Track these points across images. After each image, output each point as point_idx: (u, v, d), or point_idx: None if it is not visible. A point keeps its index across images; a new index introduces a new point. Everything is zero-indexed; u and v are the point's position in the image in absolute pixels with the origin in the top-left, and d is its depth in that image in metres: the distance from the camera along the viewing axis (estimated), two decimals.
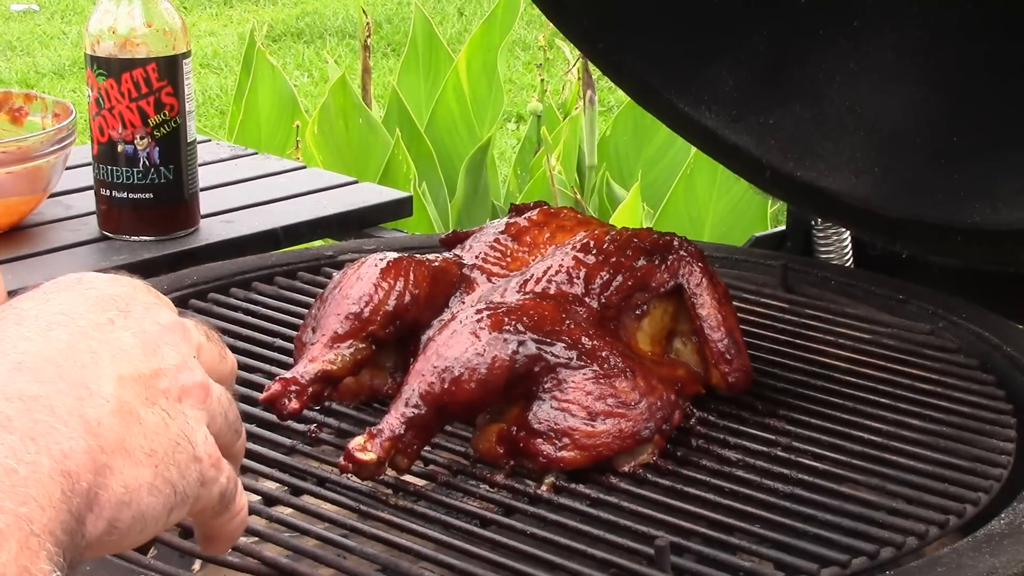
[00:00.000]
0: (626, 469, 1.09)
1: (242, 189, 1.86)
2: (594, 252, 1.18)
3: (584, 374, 1.08)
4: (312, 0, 6.46)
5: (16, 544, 0.60)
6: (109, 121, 1.62)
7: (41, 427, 0.65)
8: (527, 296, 1.14)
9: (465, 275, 1.22)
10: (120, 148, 1.63)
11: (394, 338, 1.15)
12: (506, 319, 1.07)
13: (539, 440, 1.06)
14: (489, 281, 1.21)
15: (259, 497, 1.06)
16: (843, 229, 1.60)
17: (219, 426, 0.76)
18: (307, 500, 1.05)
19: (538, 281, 1.17)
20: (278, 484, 1.08)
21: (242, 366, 1.26)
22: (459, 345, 1.06)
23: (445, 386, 1.04)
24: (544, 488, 1.06)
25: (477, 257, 1.24)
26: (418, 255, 1.20)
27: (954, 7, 1.33)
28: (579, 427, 1.07)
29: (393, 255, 1.17)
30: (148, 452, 0.70)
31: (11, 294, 0.78)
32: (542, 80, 3.59)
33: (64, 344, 0.70)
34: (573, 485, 1.06)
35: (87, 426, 0.67)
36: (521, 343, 1.07)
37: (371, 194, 1.88)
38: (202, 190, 1.72)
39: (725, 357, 1.18)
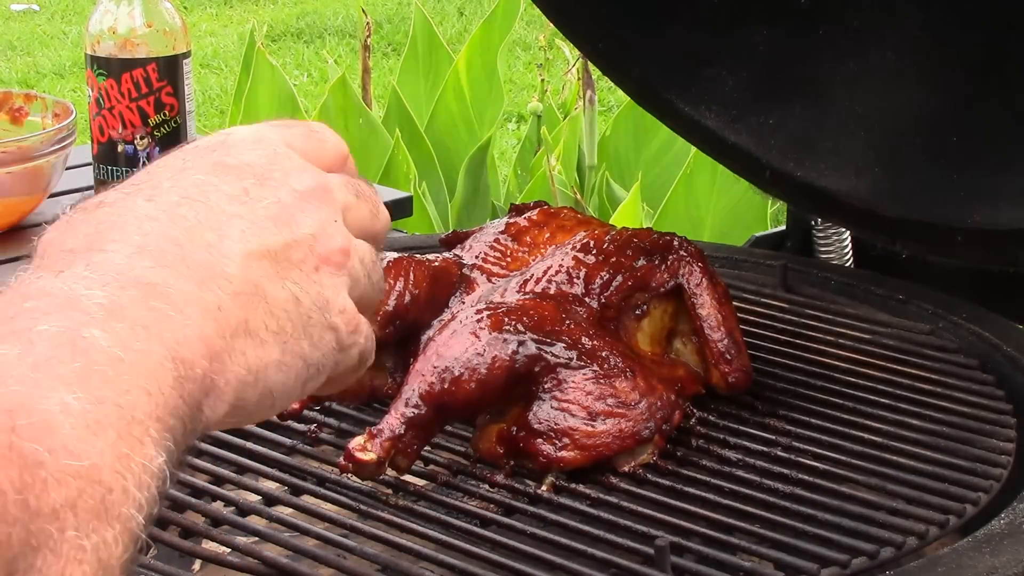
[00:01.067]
0: (626, 469, 1.09)
1: None
2: (594, 252, 1.18)
3: (584, 374, 1.08)
4: (312, 0, 6.46)
5: (115, 432, 0.58)
6: (109, 121, 1.62)
7: (155, 315, 0.63)
8: (527, 296, 1.14)
9: (465, 275, 1.22)
10: (120, 148, 1.63)
11: (394, 338, 1.15)
12: (506, 319, 1.07)
13: (539, 440, 1.06)
14: (489, 281, 1.21)
15: (259, 497, 1.06)
16: (843, 229, 1.60)
17: (363, 288, 0.73)
18: (307, 500, 1.05)
19: (538, 281, 1.17)
20: (278, 484, 1.08)
21: None
22: (459, 345, 1.06)
23: (445, 386, 1.04)
24: (544, 488, 1.06)
25: (477, 257, 1.24)
26: (418, 255, 1.20)
27: (954, 7, 1.33)
28: (579, 427, 1.07)
29: (393, 255, 1.17)
30: (275, 331, 0.68)
31: None
32: (542, 80, 3.59)
33: (191, 223, 0.67)
34: (573, 485, 1.06)
35: (205, 311, 0.65)
36: (521, 343, 1.07)
37: None
38: None
39: (725, 357, 1.18)
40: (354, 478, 1.04)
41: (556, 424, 1.06)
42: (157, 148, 1.63)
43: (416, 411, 1.03)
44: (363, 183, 0.76)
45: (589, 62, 2.54)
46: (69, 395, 0.58)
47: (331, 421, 1.16)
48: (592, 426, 1.07)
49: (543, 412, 1.07)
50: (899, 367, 1.26)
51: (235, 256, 0.67)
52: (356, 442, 1.02)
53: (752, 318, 1.35)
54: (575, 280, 1.16)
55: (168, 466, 0.60)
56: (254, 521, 1.02)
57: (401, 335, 1.15)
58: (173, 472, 0.61)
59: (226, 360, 0.66)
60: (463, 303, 1.18)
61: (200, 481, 1.08)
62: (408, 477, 1.07)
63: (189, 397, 0.63)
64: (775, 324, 1.35)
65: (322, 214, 0.71)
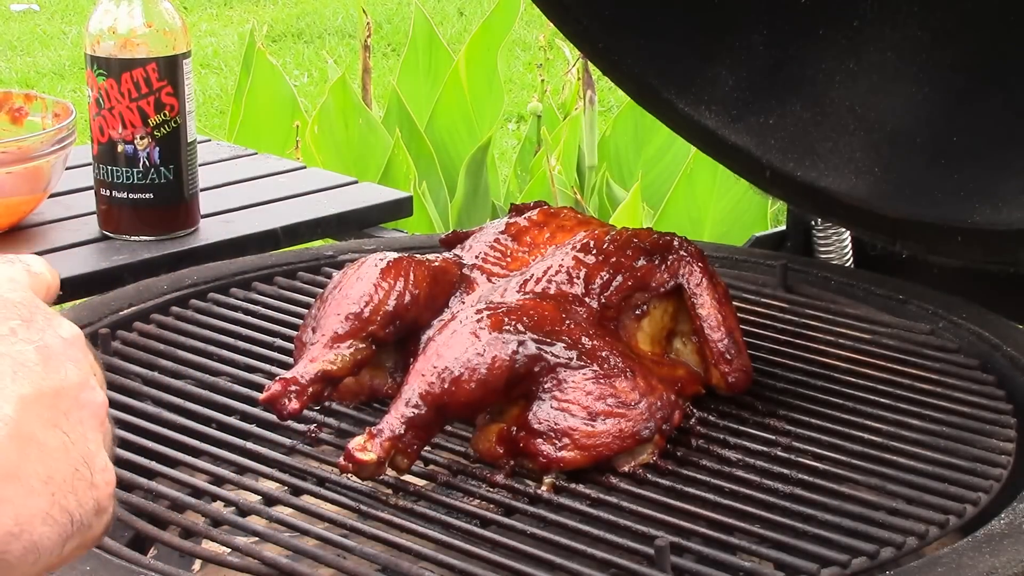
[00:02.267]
0: (626, 469, 1.09)
1: (242, 189, 1.86)
2: (594, 252, 1.18)
3: (584, 374, 1.08)
4: (312, 0, 6.46)
5: None
6: (109, 121, 1.62)
7: None
8: (527, 296, 1.14)
9: (465, 275, 1.22)
10: (120, 148, 1.63)
11: (394, 338, 1.15)
12: (506, 319, 1.07)
13: (539, 440, 1.06)
14: (489, 281, 1.21)
15: (259, 497, 1.06)
16: (843, 229, 1.60)
17: (109, 449, 0.71)
18: (307, 500, 1.05)
19: (538, 281, 1.17)
20: (278, 484, 1.08)
21: (242, 366, 1.26)
22: (459, 345, 1.06)
23: (445, 386, 1.04)
24: (544, 488, 1.06)
25: (477, 257, 1.24)
26: (418, 255, 1.20)
27: (954, 7, 1.33)
28: (579, 427, 1.07)
29: (393, 255, 1.17)
30: (45, 479, 0.65)
31: None
32: (542, 80, 3.59)
33: None
34: (573, 485, 1.06)
35: None
36: (521, 343, 1.07)
37: (371, 194, 1.88)
38: (202, 190, 1.72)
39: (725, 357, 1.18)
40: (354, 478, 1.04)
41: (556, 424, 1.06)
42: (157, 148, 1.63)
43: (416, 411, 1.03)
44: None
45: (589, 62, 2.54)
46: None
47: (331, 421, 1.16)
48: (592, 426, 1.07)
49: (543, 412, 1.07)
50: (899, 367, 1.26)
51: (10, 397, 0.65)
52: (356, 442, 1.02)
53: (752, 318, 1.35)
54: (575, 280, 1.16)
55: None
56: (254, 521, 1.02)
57: (401, 335, 1.15)
58: None
59: None
60: (463, 303, 1.18)
61: (200, 481, 1.08)
62: (408, 477, 1.07)
63: None
64: (775, 324, 1.35)
65: (84, 366, 0.70)
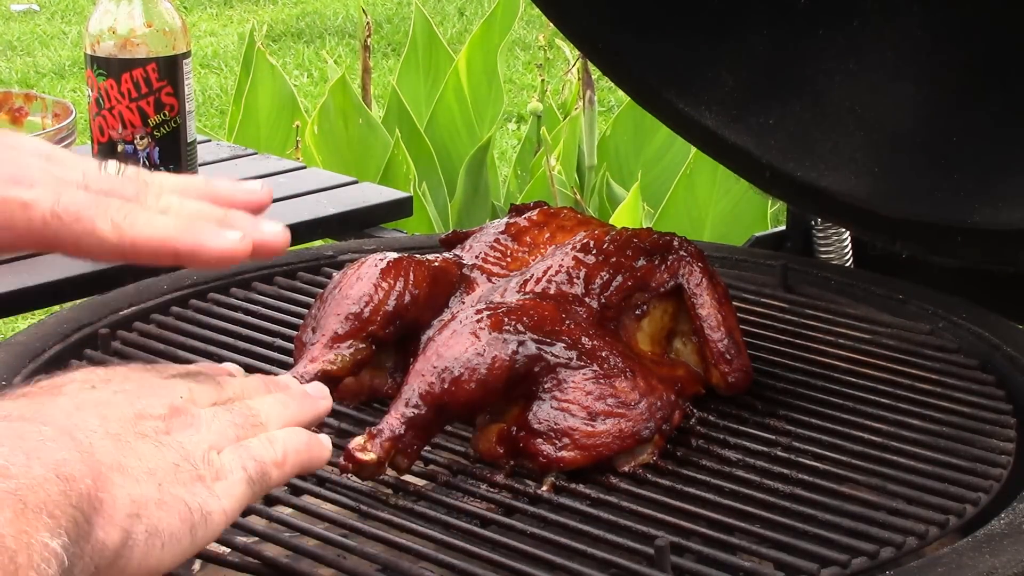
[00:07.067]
0: (626, 469, 1.09)
1: None
2: (594, 252, 1.18)
3: (584, 374, 1.08)
4: (312, 0, 6.46)
5: (11, 512, 0.63)
6: (109, 121, 1.62)
7: (30, 443, 0.68)
8: (527, 296, 1.14)
9: (465, 275, 1.22)
10: (120, 148, 1.63)
11: (394, 338, 1.15)
12: (506, 319, 1.07)
13: (539, 440, 1.06)
14: (489, 281, 1.21)
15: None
16: (843, 229, 1.60)
17: (228, 438, 0.80)
18: (307, 500, 1.05)
19: (538, 281, 1.17)
20: None
21: (242, 366, 1.26)
22: (459, 345, 1.06)
23: (445, 386, 1.04)
24: (544, 488, 1.06)
25: (477, 257, 1.24)
26: (418, 255, 1.20)
27: (954, 6, 1.33)
28: (579, 427, 1.07)
29: (393, 255, 1.17)
30: (147, 471, 0.73)
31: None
32: (542, 80, 3.59)
33: (54, 404, 0.75)
34: (573, 485, 1.06)
35: (78, 445, 0.71)
36: (521, 343, 1.07)
37: (371, 194, 1.88)
38: None
39: (725, 357, 1.18)
40: (354, 478, 1.04)
41: (556, 424, 1.06)
42: (157, 148, 1.63)
43: (416, 411, 1.03)
44: (197, 370, 0.88)
45: (589, 62, 2.54)
46: None
47: (331, 421, 1.16)
48: (592, 426, 1.07)
49: (543, 412, 1.07)
50: (899, 367, 1.26)
51: (94, 415, 0.75)
52: (356, 442, 1.02)
53: (752, 318, 1.35)
54: (575, 280, 1.16)
55: (65, 554, 0.65)
56: (254, 521, 1.02)
57: (401, 335, 1.15)
58: (71, 564, 0.65)
59: (110, 486, 0.71)
60: (463, 303, 1.18)
61: None
62: (408, 477, 1.07)
63: (79, 506, 0.68)
64: (775, 324, 1.35)
65: (163, 398, 0.80)
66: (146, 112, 1.62)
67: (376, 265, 1.15)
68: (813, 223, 1.61)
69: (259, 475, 0.80)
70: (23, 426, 0.70)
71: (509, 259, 1.23)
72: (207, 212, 0.93)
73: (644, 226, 1.48)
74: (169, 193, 0.93)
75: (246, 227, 0.91)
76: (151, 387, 0.80)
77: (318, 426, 1.15)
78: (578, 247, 1.19)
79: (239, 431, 0.82)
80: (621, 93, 1.58)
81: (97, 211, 0.89)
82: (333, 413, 1.17)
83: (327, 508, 1.04)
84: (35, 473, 0.66)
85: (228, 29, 6.07)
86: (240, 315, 1.36)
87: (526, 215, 1.28)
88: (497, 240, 1.25)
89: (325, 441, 0.89)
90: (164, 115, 1.62)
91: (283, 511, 1.04)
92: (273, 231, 0.92)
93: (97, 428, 0.73)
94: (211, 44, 5.80)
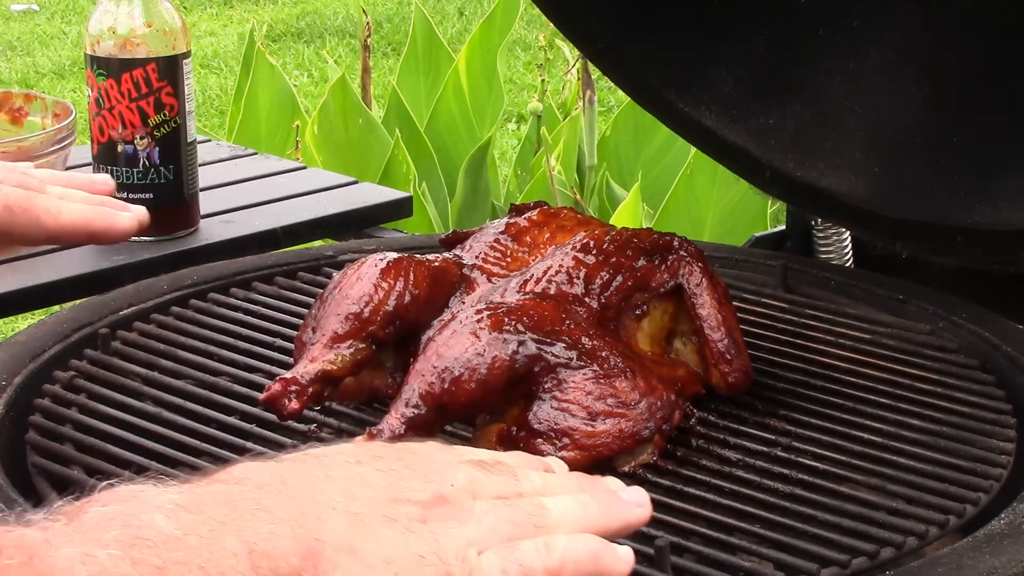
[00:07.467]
0: (626, 469, 1.09)
1: (242, 189, 1.86)
2: (594, 252, 1.18)
3: (584, 374, 1.08)
4: (312, 0, 6.46)
5: None
6: (109, 121, 1.62)
7: (235, 512, 0.64)
8: (527, 296, 1.14)
9: (465, 275, 1.22)
10: (120, 148, 1.63)
11: (394, 338, 1.15)
12: (506, 319, 1.07)
13: (539, 440, 1.06)
14: (489, 281, 1.21)
15: None
16: (843, 229, 1.60)
17: (500, 536, 0.74)
18: None
19: (538, 281, 1.17)
20: None
21: (242, 366, 1.26)
22: (459, 345, 1.06)
23: (445, 386, 1.04)
24: None
25: (477, 257, 1.24)
26: (418, 255, 1.20)
27: (954, 7, 1.33)
28: (579, 427, 1.07)
29: (393, 255, 1.17)
30: (384, 558, 0.67)
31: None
32: (542, 80, 3.59)
33: (303, 472, 0.71)
34: None
35: (300, 520, 0.66)
36: (521, 343, 1.07)
37: (371, 194, 1.88)
38: (202, 190, 1.72)
39: (725, 357, 1.18)
40: None
41: (556, 424, 1.06)
42: (157, 148, 1.63)
43: (416, 411, 1.03)
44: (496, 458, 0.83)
45: (589, 62, 2.54)
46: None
47: (331, 421, 1.16)
48: (592, 426, 1.07)
49: (543, 412, 1.07)
50: (899, 367, 1.26)
51: (340, 491, 0.70)
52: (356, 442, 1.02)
53: (752, 318, 1.35)
54: (575, 280, 1.16)
55: None
56: None
57: (401, 335, 1.15)
58: None
59: (327, 567, 0.65)
60: (463, 303, 1.18)
61: None
62: None
63: None
64: (775, 324, 1.35)
65: (434, 481, 0.75)
66: (146, 112, 1.62)
67: (376, 265, 1.15)
68: (813, 223, 1.61)
69: None
70: (243, 491, 0.66)
71: (509, 259, 1.23)
72: (96, 199, 1.17)
73: (644, 226, 1.48)
74: (50, 183, 1.16)
75: (130, 208, 1.19)
76: (424, 470, 0.74)
77: (319, 426, 1.15)
78: (578, 247, 1.19)
79: (515, 530, 0.74)
80: (621, 93, 1.58)
81: (37, 203, 1.11)
82: (333, 413, 1.18)
83: None
84: (224, 544, 0.62)
85: (228, 29, 6.07)
86: (240, 315, 1.35)
87: (526, 215, 1.28)
88: (497, 240, 1.25)
89: (624, 554, 0.79)
90: (164, 115, 1.62)
91: None
92: (139, 211, 1.21)
93: (337, 504, 0.68)
94: (211, 44, 5.80)
